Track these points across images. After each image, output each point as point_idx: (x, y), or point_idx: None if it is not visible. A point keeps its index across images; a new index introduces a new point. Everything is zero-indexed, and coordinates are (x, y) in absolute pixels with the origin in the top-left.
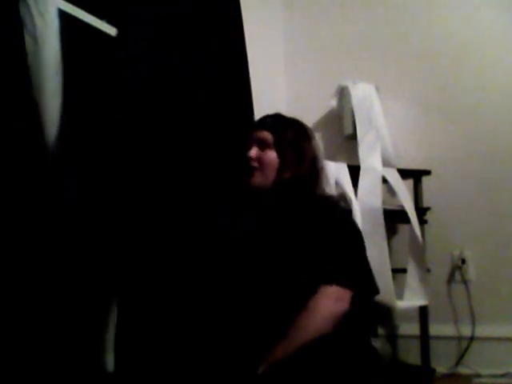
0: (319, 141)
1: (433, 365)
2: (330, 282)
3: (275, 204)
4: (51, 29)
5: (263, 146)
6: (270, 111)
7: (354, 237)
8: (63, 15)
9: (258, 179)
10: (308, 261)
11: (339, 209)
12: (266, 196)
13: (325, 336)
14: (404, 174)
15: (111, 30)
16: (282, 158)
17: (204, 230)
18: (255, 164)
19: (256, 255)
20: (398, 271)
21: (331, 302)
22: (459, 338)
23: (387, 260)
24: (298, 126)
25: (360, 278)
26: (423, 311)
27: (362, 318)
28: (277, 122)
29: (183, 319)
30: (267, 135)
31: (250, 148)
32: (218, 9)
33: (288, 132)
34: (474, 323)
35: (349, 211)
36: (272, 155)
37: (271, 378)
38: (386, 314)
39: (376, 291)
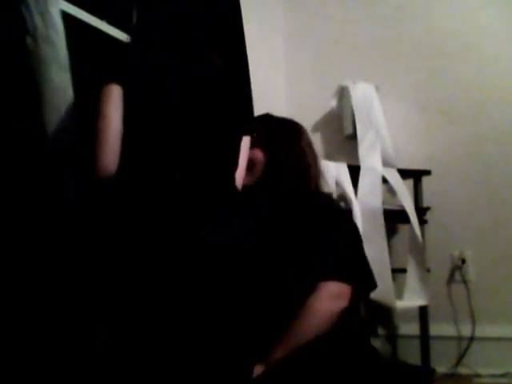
0: (319, 141)
1: (433, 365)
2: (327, 278)
3: (267, 202)
4: (53, 29)
5: (250, 145)
6: (270, 111)
7: (350, 231)
8: (64, 16)
9: (245, 179)
10: (303, 258)
11: (335, 205)
12: (256, 193)
13: (324, 336)
14: (404, 173)
15: (112, 31)
16: (268, 155)
17: (198, 229)
18: None
19: (251, 255)
20: (398, 271)
21: (330, 300)
22: (459, 338)
23: (387, 260)
24: (284, 123)
25: (358, 272)
26: (423, 311)
27: (359, 314)
28: (263, 121)
29: (179, 320)
30: None
31: None
32: (219, 9)
33: (274, 129)
34: (474, 323)
35: (346, 211)
36: (258, 154)
37: (270, 379)
38: (386, 314)
39: (374, 285)
